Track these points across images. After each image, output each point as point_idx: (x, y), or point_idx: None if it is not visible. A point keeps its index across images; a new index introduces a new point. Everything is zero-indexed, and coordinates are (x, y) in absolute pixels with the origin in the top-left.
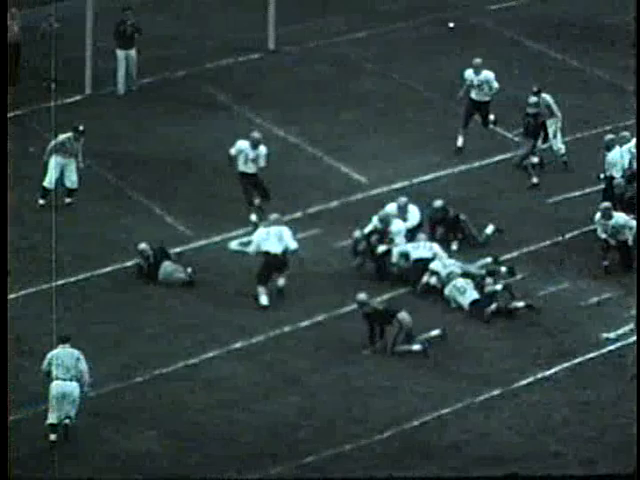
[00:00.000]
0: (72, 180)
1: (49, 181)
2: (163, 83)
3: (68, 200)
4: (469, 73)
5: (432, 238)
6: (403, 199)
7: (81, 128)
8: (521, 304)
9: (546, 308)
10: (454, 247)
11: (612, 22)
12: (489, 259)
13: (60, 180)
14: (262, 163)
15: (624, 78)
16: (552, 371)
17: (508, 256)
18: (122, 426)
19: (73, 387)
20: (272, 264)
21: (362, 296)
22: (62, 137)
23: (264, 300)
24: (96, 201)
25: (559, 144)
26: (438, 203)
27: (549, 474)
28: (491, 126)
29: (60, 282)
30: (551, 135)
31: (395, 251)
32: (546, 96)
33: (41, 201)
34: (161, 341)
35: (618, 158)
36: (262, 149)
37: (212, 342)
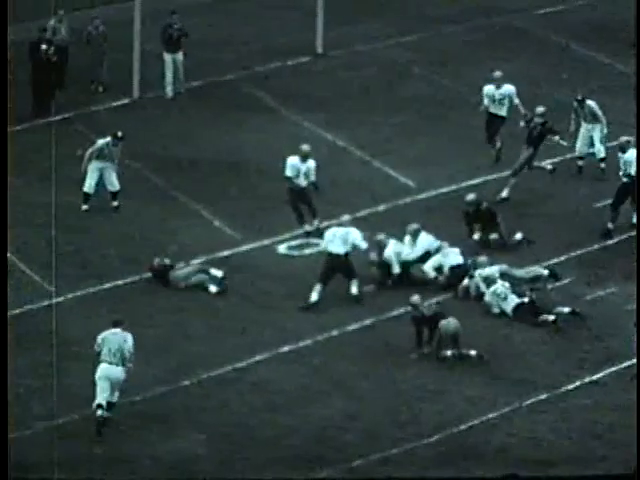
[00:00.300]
0: (113, 183)
1: (89, 186)
2: (211, 86)
3: (115, 203)
4: (489, 88)
5: (470, 234)
6: (414, 226)
7: (120, 134)
8: (566, 309)
9: (593, 312)
10: (494, 236)
11: None
12: (539, 268)
13: (101, 184)
14: (312, 177)
15: None
16: (599, 375)
17: (555, 260)
18: (169, 429)
19: (117, 371)
20: (333, 265)
21: (415, 298)
22: (100, 143)
23: (314, 296)
24: (143, 204)
25: (602, 151)
26: (471, 197)
27: (549, 474)
28: (498, 145)
29: (107, 285)
30: (596, 141)
31: (427, 268)
32: (591, 102)
33: (84, 206)
34: (208, 344)
35: (633, 158)
36: (311, 162)
37: (259, 345)
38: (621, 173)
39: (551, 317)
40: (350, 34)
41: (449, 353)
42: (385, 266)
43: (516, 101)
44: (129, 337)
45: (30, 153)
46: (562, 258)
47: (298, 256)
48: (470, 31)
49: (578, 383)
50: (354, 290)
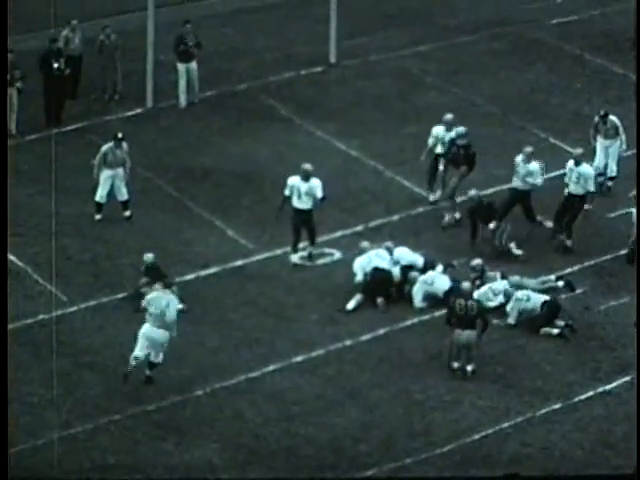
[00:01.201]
0: (122, 192)
1: (100, 196)
2: (225, 96)
3: (127, 213)
4: (439, 129)
5: (473, 233)
6: (388, 244)
7: (119, 135)
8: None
9: (606, 322)
10: (491, 226)
11: None
12: (553, 280)
13: (111, 193)
14: (319, 194)
15: None
16: (613, 385)
17: (569, 270)
18: (183, 438)
19: (158, 334)
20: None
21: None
22: (103, 148)
23: (351, 304)
24: (157, 214)
25: (614, 170)
26: (473, 192)
27: (549, 474)
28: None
29: (121, 295)
30: (613, 158)
31: (417, 303)
32: (613, 118)
33: (97, 216)
34: (222, 354)
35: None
36: (314, 181)
37: (273, 355)
38: (572, 185)
39: (555, 331)
40: (363, 44)
41: (456, 365)
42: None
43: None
44: (173, 302)
45: (43, 163)
46: (575, 268)
47: (311, 266)
48: (484, 41)
49: (591, 393)
50: (379, 301)
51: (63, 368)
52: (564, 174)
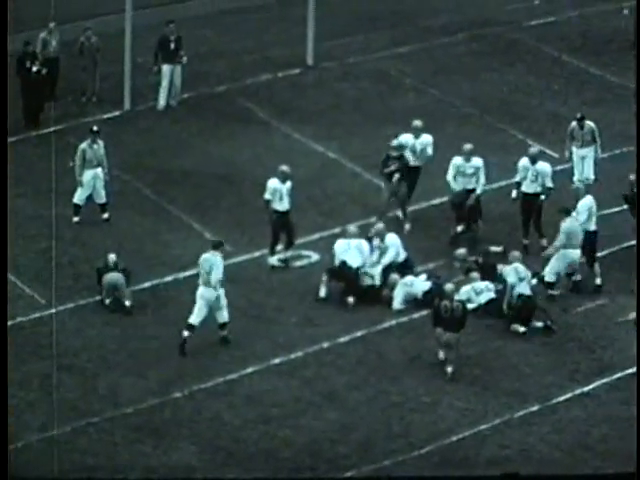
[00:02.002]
0: (100, 195)
1: (79, 198)
2: (202, 98)
3: (105, 216)
4: (408, 137)
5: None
6: (378, 227)
7: (95, 128)
8: (539, 324)
9: (585, 324)
10: (459, 229)
11: None
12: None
13: (90, 196)
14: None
15: None
16: (591, 387)
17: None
18: (161, 441)
19: (212, 293)
20: (343, 274)
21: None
22: (82, 146)
23: (350, 300)
24: (135, 216)
25: (591, 179)
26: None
27: (549, 474)
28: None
29: (100, 297)
30: (589, 166)
31: (396, 305)
32: (590, 123)
33: (75, 218)
34: (200, 356)
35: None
36: (289, 184)
37: (252, 357)
38: (527, 184)
39: (522, 329)
40: (341, 46)
41: (441, 355)
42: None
43: (430, 152)
44: (217, 263)
45: (22, 165)
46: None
47: (289, 268)
48: (462, 42)
49: (570, 395)
50: (351, 300)
51: (42, 370)
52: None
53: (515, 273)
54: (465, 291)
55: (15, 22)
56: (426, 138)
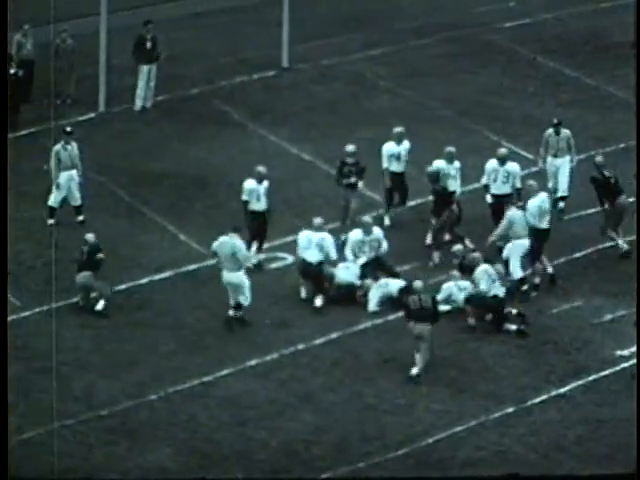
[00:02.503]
0: (75, 197)
1: (54, 200)
2: (178, 100)
3: (80, 218)
4: (390, 145)
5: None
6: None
7: (68, 129)
8: (513, 327)
9: (559, 326)
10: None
11: (626, 40)
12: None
13: (65, 198)
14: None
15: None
16: (566, 388)
17: (521, 274)
18: (136, 443)
19: (234, 277)
20: (306, 272)
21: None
22: (56, 148)
23: (302, 293)
24: (110, 218)
25: (565, 187)
26: (432, 168)
27: (549, 474)
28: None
29: (75, 299)
30: (565, 176)
31: (371, 307)
32: (567, 131)
33: (50, 221)
34: (175, 359)
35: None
36: (265, 183)
37: (227, 360)
38: (498, 185)
39: (514, 327)
40: (316, 48)
41: (416, 366)
42: None
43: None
44: (237, 243)
45: None
46: (528, 271)
47: (265, 270)
48: (437, 44)
49: (545, 396)
50: (318, 303)
51: (16, 373)
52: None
53: (487, 276)
54: (447, 287)
55: None
56: (407, 144)
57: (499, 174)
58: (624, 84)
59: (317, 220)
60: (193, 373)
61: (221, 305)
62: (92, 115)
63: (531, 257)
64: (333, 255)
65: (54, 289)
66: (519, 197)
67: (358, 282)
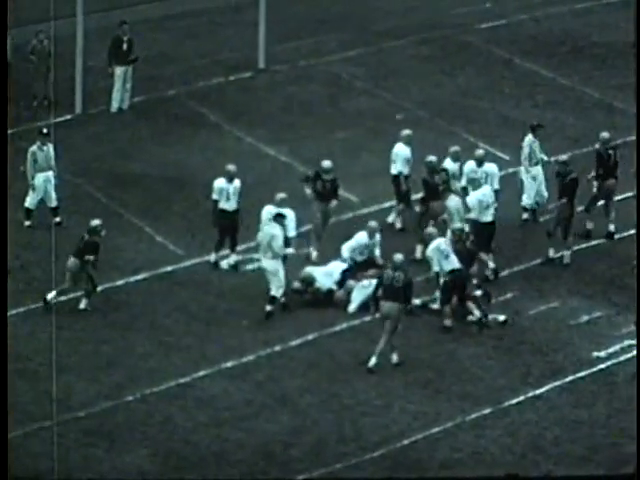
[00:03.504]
0: (52, 198)
1: (31, 202)
2: (154, 102)
3: (57, 220)
4: (403, 149)
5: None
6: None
7: (44, 130)
8: (502, 317)
9: (536, 327)
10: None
11: (603, 40)
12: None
13: (42, 200)
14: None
15: (614, 96)
16: (543, 390)
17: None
18: (113, 444)
19: (268, 264)
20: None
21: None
22: (31, 149)
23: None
24: (86, 220)
25: (545, 194)
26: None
27: (549, 474)
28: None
29: (52, 301)
30: (543, 185)
31: (351, 308)
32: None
33: (27, 222)
34: (152, 360)
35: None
36: (237, 182)
37: (203, 361)
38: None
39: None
40: (292, 49)
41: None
42: None
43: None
44: (278, 232)
45: None
46: (505, 273)
47: (240, 272)
48: (413, 46)
49: (522, 398)
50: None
51: None
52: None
53: (439, 252)
54: (434, 248)
55: None
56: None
57: (477, 175)
58: (600, 85)
59: (280, 195)
60: (170, 374)
61: (198, 306)
62: (69, 117)
63: (482, 249)
64: (292, 231)
65: (32, 291)
66: (497, 198)
67: (335, 287)
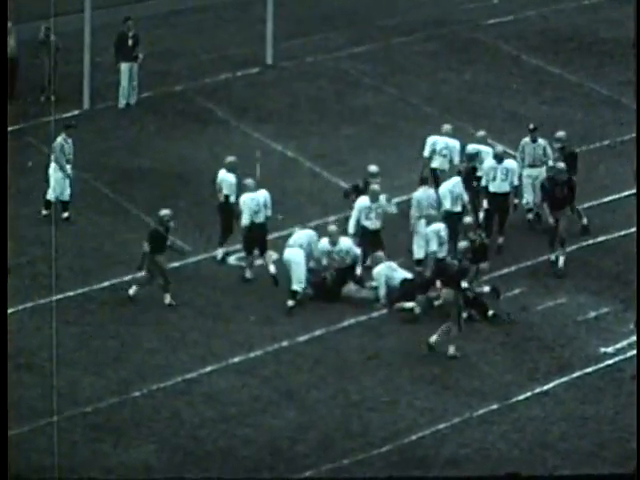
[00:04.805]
0: (66, 193)
1: (52, 194)
2: (161, 97)
3: (65, 215)
4: (434, 140)
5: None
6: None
7: (73, 123)
8: (486, 289)
9: (544, 323)
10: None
11: (610, 36)
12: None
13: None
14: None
15: (622, 92)
16: (550, 385)
17: (506, 270)
18: (120, 440)
19: (294, 255)
20: (254, 234)
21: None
22: (58, 141)
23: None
24: (94, 215)
25: (538, 198)
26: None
27: (549, 474)
28: None
29: (59, 296)
30: (538, 186)
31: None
32: (543, 141)
33: (44, 212)
34: (159, 355)
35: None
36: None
37: (210, 356)
38: (496, 183)
39: (408, 304)
40: (300, 45)
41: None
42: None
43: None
44: (313, 237)
45: None
46: (512, 268)
47: (228, 264)
48: (420, 42)
49: (529, 393)
50: (272, 269)
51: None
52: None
53: (390, 270)
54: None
55: None
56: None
57: (497, 172)
58: (608, 81)
59: (248, 180)
60: (176, 370)
61: (205, 302)
62: (76, 112)
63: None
64: (270, 212)
65: (38, 286)
66: (516, 194)
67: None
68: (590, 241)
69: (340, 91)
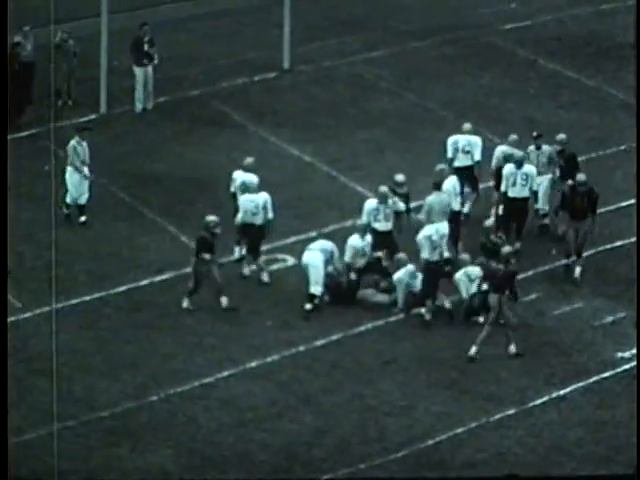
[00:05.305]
0: (84, 197)
1: (69, 198)
2: (178, 102)
3: (82, 219)
4: (455, 139)
5: None
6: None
7: (89, 125)
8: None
9: (560, 328)
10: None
11: (626, 41)
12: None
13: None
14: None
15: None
16: (566, 390)
17: (522, 275)
18: (137, 445)
19: (314, 258)
20: (251, 236)
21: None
22: (72, 144)
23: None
24: (110, 220)
25: (546, 207)
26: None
27: (549, 474)
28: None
29: (75, 301)
30: (543, 194)
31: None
32: (548, 148)
33: (65, 210)
34: (176, 360)
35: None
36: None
37: (227, 361)
38: (516, 188)
39: (481, 319)
40: (317, 50)
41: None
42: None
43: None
44: (335, 251)
45: None
46: (529, 273)
47: (265, 271)
48: (437, 46)
49: (546, 398)
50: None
51: (16, 374)
52: None
53: (411, 277)
54: (458, 276)
55: None
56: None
57: (517, 177)
58: (625, 85)
59: (250, 181)
60: (193, 374)
61: (221, 306)
62: (93, 117)
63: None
64: (270, 214)
65: (54, 290)
66: (535, 199)
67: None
68: (607, 246)
69: (356, 95)
